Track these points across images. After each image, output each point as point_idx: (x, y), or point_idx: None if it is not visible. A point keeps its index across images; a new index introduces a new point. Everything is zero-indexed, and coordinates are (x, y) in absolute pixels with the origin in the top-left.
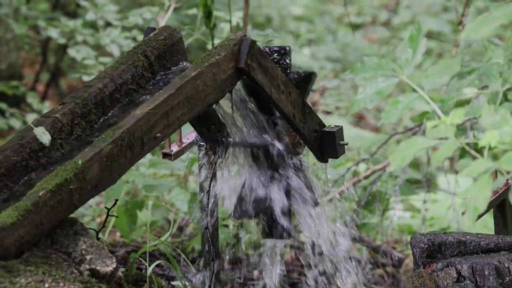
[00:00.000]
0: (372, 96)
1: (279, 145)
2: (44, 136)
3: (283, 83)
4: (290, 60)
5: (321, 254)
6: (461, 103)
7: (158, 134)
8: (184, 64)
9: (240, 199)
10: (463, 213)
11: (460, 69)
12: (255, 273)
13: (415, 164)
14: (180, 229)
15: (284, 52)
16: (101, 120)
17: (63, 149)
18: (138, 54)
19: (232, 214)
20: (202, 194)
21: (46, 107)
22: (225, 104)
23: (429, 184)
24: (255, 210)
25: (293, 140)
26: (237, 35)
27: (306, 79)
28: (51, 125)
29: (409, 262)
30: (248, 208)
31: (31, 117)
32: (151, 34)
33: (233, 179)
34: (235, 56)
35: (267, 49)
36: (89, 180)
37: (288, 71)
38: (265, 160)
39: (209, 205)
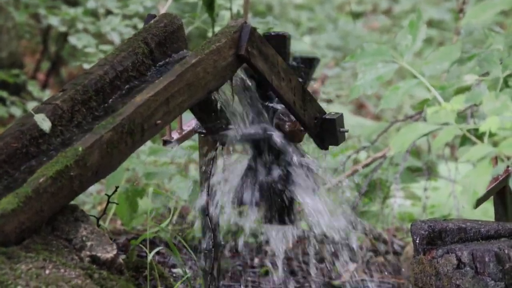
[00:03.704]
0: (372, 82)
1: (278, 133)
2: (44, 123)
3: (284, 70)
4: (289, 46)
5: (322, 241)
6: (462, 90)
7: (159, 121)
8: (185, 51)
9: (241, 187)
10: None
11: (460, 55)
12: (256, 260)
13: (415, 152)
14: (181, 217)
15: (283, 38)
16: (101, 107)
17: (63, 136)
18: (138, 41)
19: (233, 202)
20: (203, 181)
21: (47, 95)
22: (225, 91)
23: (429, 172)
24: (256, 197)
25: (293, 127)
26: (238, 22)
27: (308, 65)
28: (51, 112)
29: (409, 249)
30: (249, 196)
31: (31, 105)
32: (152, 21)
33: (234, 166)
34: (236, 43)
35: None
36: (89, 166)
37: (287, 58)
38: (266, 148)
39: (210, 193)
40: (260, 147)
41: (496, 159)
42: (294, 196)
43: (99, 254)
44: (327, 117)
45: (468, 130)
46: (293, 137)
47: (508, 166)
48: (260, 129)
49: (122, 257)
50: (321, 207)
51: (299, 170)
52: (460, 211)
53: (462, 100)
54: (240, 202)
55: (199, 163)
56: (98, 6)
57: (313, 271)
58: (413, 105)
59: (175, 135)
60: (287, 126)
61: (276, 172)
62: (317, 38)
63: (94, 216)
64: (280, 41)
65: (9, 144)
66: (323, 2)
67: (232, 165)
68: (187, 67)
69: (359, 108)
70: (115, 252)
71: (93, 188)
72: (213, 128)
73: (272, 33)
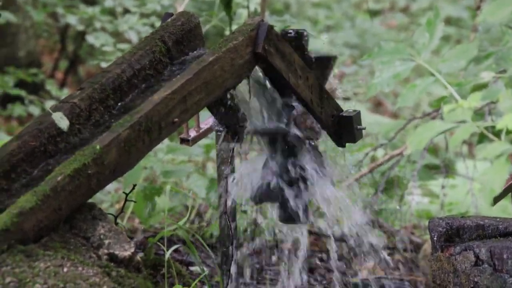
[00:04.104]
0: (389, 79)
1: (296, 130)
2: (62, 121)
3: (301, 68)
4: (307, 44)
5: (340, 239)
6: (479, 87)
7: (176, 119)
8: (202, 49)
9: (258, 184)
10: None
11: (477, 53)
12: (273, 258)
13: (433, 150)
14: (199, 215)
15: (300, 36)
16: (119, 105)
17: (81, 134)
18: (155, 40)
19: (250, 199)
20: (220, 180)
21: (65, 94)
22: (242, 89)
23: (447, 169)
24: (273, 195)
25: (310, 125)
26: (255, 20)
27: (326, 64)
28: (69, 111)
29: (427, 247)
30: (266, 193)
31: (49, 104)
32: (169, 20)
33: (251, 164)
34: (253, 41)
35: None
36: (107, 165)
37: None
38: (283, 145)
39: (227, 191)
40: (277, 144)
41: None
42: (311, 193)
43: (117, 252)
44: (344, 114)
45: (486, 128)
46: (310, 135)
47: None
48: (277, 127)
49: (139, 255)
50: (339, 205)
51: (315, 167)
52: (478, 209)
53: (479, 98)
54: (258, 200)
55: (216, 161)
56: (115, 5)
57: (331, 268)
58: (431, 102)
59: (193, 133)
60: (304, 123)
61: (293, 170)
62: (335, 36)
63: (112, 214)
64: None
65: (27, 142)
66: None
67: (250, 162)
68: (204, 65)
69: (377, 106)
70: (132, 250)
71: (110, 187)
72: (230, 126)
73: (290, 31)
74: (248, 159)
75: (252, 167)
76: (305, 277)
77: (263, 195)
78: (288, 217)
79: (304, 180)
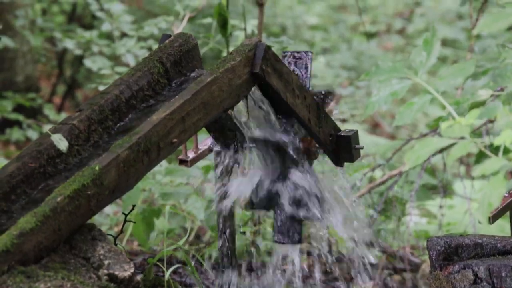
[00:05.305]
0: (386, 98)
1: (292, 150)
2: (61, 142)
3: (298, 87)
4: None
5: (338, 259)
6: (476, 105)
7: (175, 140)
8: (200, 70)
9: (254, 192)
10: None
11: (474, 71)
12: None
13: (431, 170)
14: (197, 237)
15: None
16: (117, 126)
17: (80, 155)
18: (154, 61)
19: (246, 206)
20: (219, 200)
21: (62, 118)
22: (240, 109)
23: (445, 189)
24: (270, 202)
25: (308, 145)
26: (252, 40)
27: (322, 99)
28: (68, 132)
29: (426, 267)
30: (263, 200)
31: (47, 128)
32: (167, 41)
33: (249, 181)
34: (250, 61)
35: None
36: (106, 185)
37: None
38: (280, 163)
39: (226, 212)
40: (274, 163)
41: (511, 174)
42: (308, 214)
43: (116, 273)
44: (342, 134)
45: (484, 146)
46: (308, 155)
47: None
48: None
49: (139, 276)
50: (336, 224)
51: (313, 188)
52: (477, 229)
53: (476, 115)
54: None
55: (215, 181)
56: (113, 29)
57: None
58: (428, 123)
59: (191, 154)
60: (301, 144)
61: (288, 191)
62: (331, 58)
63: (112, 235)
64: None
65: (27, 164)
66: (337, 22)
67: (247, 180)
68: (202, 85)
69: (374, 127)
70: (132, 270)
71: (109, 210)
72: (228, 146)
73: (295, 53)
74: (245, 178)
75: (249, 184)
76: None
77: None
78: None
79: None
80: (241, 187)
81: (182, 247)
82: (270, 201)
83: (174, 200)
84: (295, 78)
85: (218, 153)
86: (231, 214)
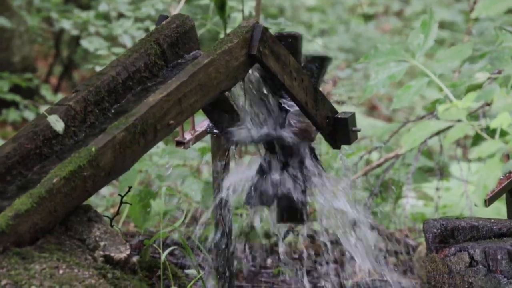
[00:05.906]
0: (384, 80)
1: (290, 133)
2: (57, 123)
3: (295, 69)
4: (301, 46)
5: (335, 241)
6: (473, 88)
7: (171, 121)
8: (197, 51)
9: (253, 187)
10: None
11: (472, 53)
12: (269, 261)
13: (427, 153)
14: (194, 219)
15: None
16: (114, 108)
17: (76, 136)
18: (150, 42)
19: (245, 202)
20: (215, 182)
21: (59, 99)
22: (237, 91)
23: (441, 172)
24: (268, 198)
25: (305, 127)
26: (249, 22)
27: (319, 64)
28: (64, 113)
29: (422, 249)
30: (261, 196)
31: (44, 109)
32: (164, 22)
33: (246, 167)
34: (247, 43)
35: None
36: (102, 167)
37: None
38: (278, 148)
39: (223, 194)
40: (273, 147)
41: (507, 157)
42: (307, 195)
43: (112, 254)
44: (339, 116)
45: (481, 129)
46: (305, 137)
47: None
48: (273, 130)
49: (135, 258)
50: (335, 207)
51: (311, 170)
52: (473, 211)
53: (473, 98)
54: (252, 203)
55: (212, 164)
56: (110, 9)
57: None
58: (425, 106)
59: (188, 136)
60: (299, 126)
61: (289, 172)
62: (329, 40)
63: (108, 217)
64: (292, 42)
65: (22, 145)
66: (334, 4)
67: (245, 166)
68: (199, 67)
69: (371, 109)
70: (128, 252)
71: (105, 191)
72: (225, 128)
73: (284, 33)
74: (243, 162)
75: (246, 170)
76: (300, 279)
77: (257, 198)
78: (284, 218)
79: (300, 181)
80: (239, 172)
81: (178, 229)
82: (270, 196)
83: (170, 182)
84: (292, 60)
85: (215, 135)
86: (227, 196)
